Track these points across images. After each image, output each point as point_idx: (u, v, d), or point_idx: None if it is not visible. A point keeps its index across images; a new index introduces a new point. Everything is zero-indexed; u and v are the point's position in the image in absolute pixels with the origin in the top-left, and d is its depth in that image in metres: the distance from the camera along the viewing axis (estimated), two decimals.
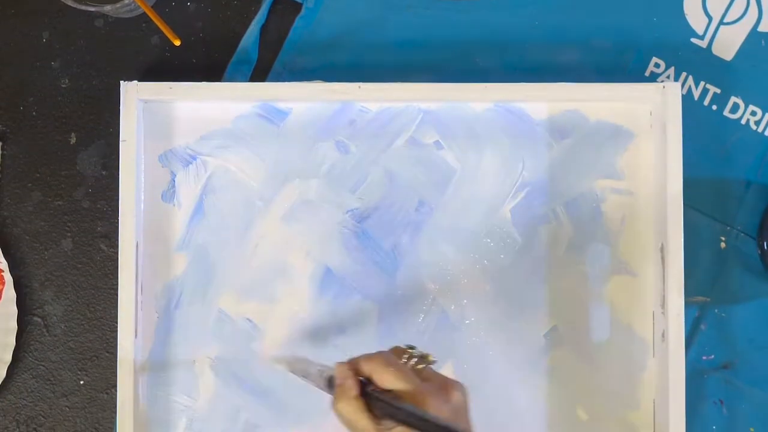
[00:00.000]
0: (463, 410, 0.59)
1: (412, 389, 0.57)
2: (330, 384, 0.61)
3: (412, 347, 0.61)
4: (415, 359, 0.60)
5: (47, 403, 0.76)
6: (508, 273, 0.75)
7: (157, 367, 0.74)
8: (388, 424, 0.57)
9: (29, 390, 0.76)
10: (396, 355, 0.60)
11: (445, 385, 0.59)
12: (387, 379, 0.58)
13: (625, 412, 0.74)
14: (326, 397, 0.61)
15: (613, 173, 0.75)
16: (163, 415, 0.74)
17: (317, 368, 0.65)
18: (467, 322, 0.75)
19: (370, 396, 0.58)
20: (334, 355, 0.66)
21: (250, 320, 0.75)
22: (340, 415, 0.58)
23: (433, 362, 0.61)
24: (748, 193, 0.76)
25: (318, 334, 0.75)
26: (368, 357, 0.59)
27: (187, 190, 0.75)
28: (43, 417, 0.75)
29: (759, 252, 0.75)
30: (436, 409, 0.56)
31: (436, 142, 0.75)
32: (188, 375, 0.74)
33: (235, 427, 0.74)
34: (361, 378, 0.59)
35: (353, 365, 0.59)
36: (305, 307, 0.75)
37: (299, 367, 0.69)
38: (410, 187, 0.75)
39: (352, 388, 0.58)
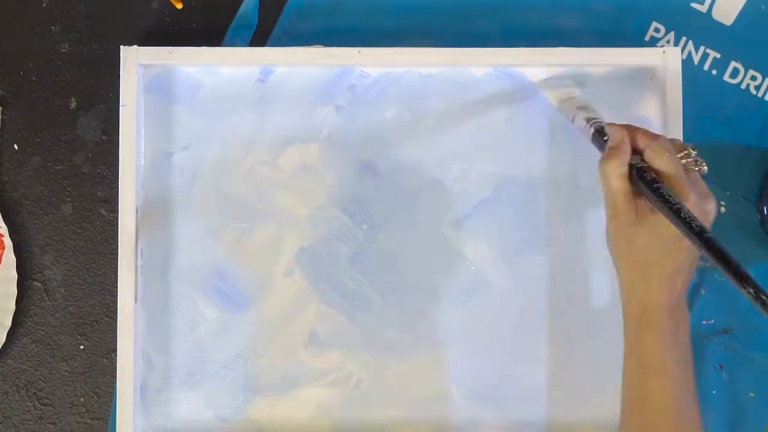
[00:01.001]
0: (709, 224, 0.60)
1: (678, 182, 0.59)
2: (597, 136, 0.64)
3: (694, 147, 0.62)
4: (691, 159, 0.61)
5: (47, 367, 0.76)
6: (506, 238, 0.75)
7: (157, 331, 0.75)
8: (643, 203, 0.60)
9: (29, 355, 0.76)
10: (677, 148, 0.62)
11: (705, 194, 0.60)
12: (661, 161, 0.59)
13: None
14: None
15: None
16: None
17: (587, 115, 0.66)
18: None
19: (638, 169, 0.60)
20: None
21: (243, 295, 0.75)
22: (604, 174, 0.61)
23: (705, 171, 0.62)
24: (747, 157, 0.76)
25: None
26: (650, 133, 0.61)
27: (187, 154, 0.75)
28: (42, 382, 0.76)
29: (759, 217, 0.75)
30: (692, 210, 0.57)
31: (436, 106, 0.75)
32: (188, 338, 0.75)
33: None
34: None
35: (631, 132, 0.61)
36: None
37: (567, 106, 0.70)
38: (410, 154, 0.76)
39: (627, 153, 0.60)
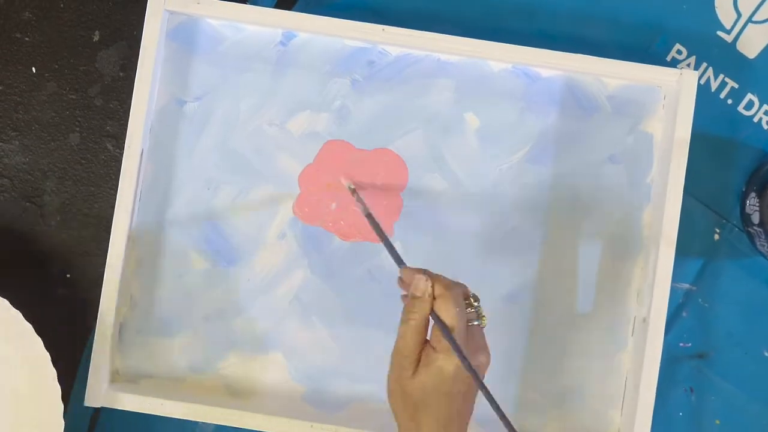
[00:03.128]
0: (482, 375, 0.62)
1: (459, 336, 0.60)
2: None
3: (477, 299, 0.64)
4: (473, 311, 0.63)
5: (32, 290, 0.76)
6: (504, 234, 0.76)
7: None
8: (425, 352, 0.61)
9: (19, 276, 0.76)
10: (465, 296, 0.63)
11: (481, 347, 0.62)
12: (447, 314, 0.60)
13: (597, 387, 0.75)
14: None
15: (619, 150, 0.76)
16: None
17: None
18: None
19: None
20: None
21: (234, 251, 0.76)
22: (405, 322, 0.62)
23: (484, 326, 0.64)
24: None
25: None
26: (444, 283, 0.62)
27: (198, 105, 0.76)
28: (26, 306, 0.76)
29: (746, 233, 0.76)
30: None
31: (451, 94, 0.76)
32: (174, 285, 0.76)
33: None
34: None
35: (431, 280, 0.62)
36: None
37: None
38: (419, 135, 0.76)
39: (429, 303, 0.61)
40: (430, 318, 0.61)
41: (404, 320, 0.62)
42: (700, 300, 0.76)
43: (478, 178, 0.76)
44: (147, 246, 0.76)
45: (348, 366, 0.76)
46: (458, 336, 0.60)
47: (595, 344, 0.75)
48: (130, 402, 0.72)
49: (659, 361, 0.71)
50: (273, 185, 0.76)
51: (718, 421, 0.76)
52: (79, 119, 0.77)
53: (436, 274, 0.63)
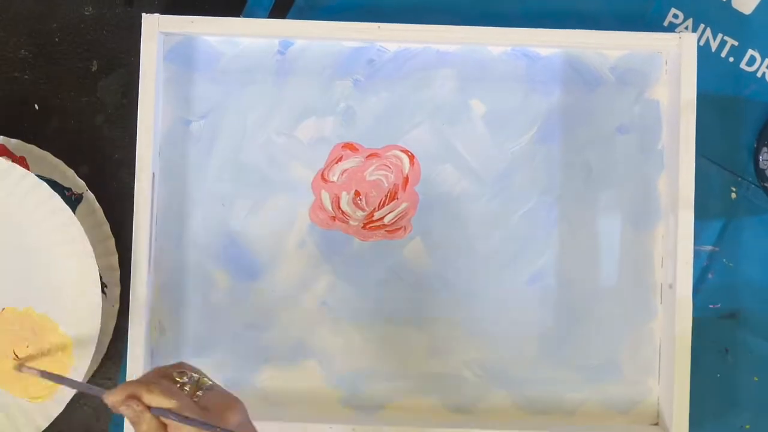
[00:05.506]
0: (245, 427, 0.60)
1: (187, 406, 0.57)
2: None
3: (183, 372, 0.60)
4: (189, 386, 0.59)
5: None
6: (521, 216, 0.76)
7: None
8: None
9: None
10: (168, 379, 0.59)
11: (224, 407, 0.59)
12: (159, 401, 0.57)
13: (631, 358, 0.75)
14: None
15: (627, 120, 0.76)
16: None
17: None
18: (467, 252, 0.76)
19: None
20: None
21: (255, 264, 0.76)
22: None
23: (209, 385, 0.60)
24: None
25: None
26: (143, 382, 0.58)
27: (204, 123, 0.76)
28: None
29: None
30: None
31: (454, 83, 0.76)
32: (200, 305, 0.76)
33: None
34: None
35: (129, 393, 0.57)
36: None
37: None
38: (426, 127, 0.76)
39: (151, 422, 0.57)
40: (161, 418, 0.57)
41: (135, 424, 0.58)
42: (724, 260, 0.76)
43: (490, 164, 0.76)
44: (169, 269, 0.76)
45: (382, 365, 0.76)
46: (191, 412, 0.56)
47: (625, 316, 0.75)
48: None
49: (690, 326, 0.71)
50: (287, 194, 0.76)
51: (756, 378, 0.76)
52: (87, 150, 0.77)
53: (128, 384, 0.58)
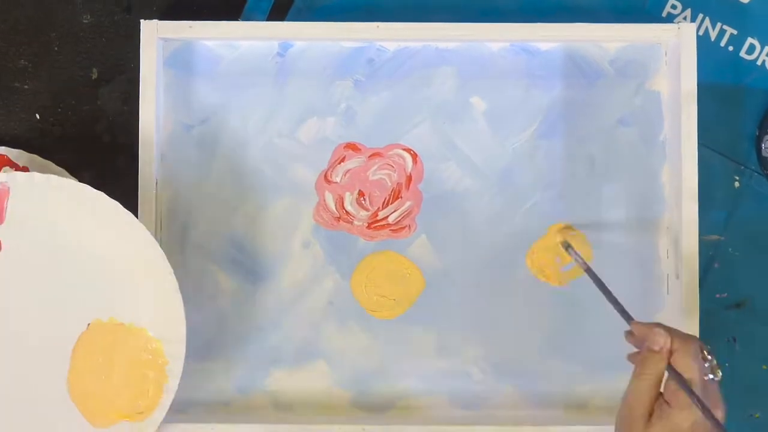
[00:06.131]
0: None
1: (696, 389, 0.58)
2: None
3: (711, 352, 0.61)
4: (707, 366, 0.60)
5: None
6: (525, 212, 0.76)
7: None
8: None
9: None
10: (700, 348, 0.61)
11: (716, 403, 0.59)
12: (687, 369, 0.58)
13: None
14: None
15: (628, 112, 0.76)
16: None
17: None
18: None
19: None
20: None
21: (261, 267, 0.76)
22: (640, 376, 0.59)
23: (719, 379, 0.60)
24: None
25: None
26: (682, 336, 0.60)
27: (206, 127, 0.76)
28: None
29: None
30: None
31: (454, 81, 0.76)
32: (207, 310, 0.76)
33: None
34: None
35: (669, 335, 0.60)
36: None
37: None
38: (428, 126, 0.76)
39: (666, 360, 0.59)
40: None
41: (638, 375, 0.59)
42: (729, 249, 0.77)
43: (493, 160, 0.76)
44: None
45: (390, 364, 0.76)
46: (696, 391, 0.58)
47: (632, 308, 0.75)
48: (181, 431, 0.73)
49: (698, 316, 0.71)
50: (291, 196, 0.76)
51: (765, 366, 0.76)
52: (90, 159, 0.77)
53: (671, 328, 0.61)
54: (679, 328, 0.71)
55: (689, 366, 0.58)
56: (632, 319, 0.64)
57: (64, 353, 0.70)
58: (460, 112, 0.76)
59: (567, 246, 0.73)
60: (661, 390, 0.59)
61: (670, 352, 0.59)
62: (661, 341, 0.59)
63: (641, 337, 0.61)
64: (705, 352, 0.60)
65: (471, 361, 0.75)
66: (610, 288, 0.68)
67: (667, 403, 0.58)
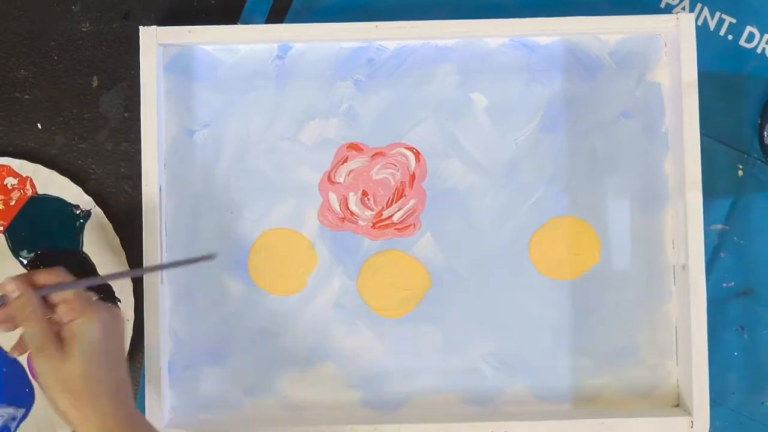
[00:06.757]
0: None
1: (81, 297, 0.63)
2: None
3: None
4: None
5: None
6: (530, 206, 0.76)
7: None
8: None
9: None
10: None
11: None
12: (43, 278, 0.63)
13: (648, 341, 0.75)
14: None
15: (630, 104, 0.76)
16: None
17: None
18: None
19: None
20: None
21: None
22: (28, 322, 0.61)
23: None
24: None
25: None
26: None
27: (208, 132, 0.76)
28: None
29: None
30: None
31: (454, 78, 0.76)
32: (214, 314, 0.76)
33: None
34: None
35: (29, 281, 0.63)
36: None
37: None
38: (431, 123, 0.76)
39: (29, 285, 0.63)
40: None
41: (22, 320, 0.62)
42: (735, 238, 0.77)
43: (496, 156, 0.76)
44: (181, 280, 0.76)
45: (399, 363, 0.76)
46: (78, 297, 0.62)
47: (639, 300, 0.75)
48: None
49: (705, 306, 0.71)
50: (295, 198, 0.76)
51: None
52: (93, 166, 0.77)
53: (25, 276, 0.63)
54: (686, 317, 0.71)
55: (48, 277, 0.63)
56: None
57: None
58: (461, 109, 0.76)
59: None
60: None
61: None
62: (9, 286, 0.62)
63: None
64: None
65: (480, 357, 0.75)
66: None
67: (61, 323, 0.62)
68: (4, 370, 0.76)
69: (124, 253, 0.76)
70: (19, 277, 0.62)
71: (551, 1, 0.76)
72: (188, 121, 0.76)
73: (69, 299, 0.62)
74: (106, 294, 0.76)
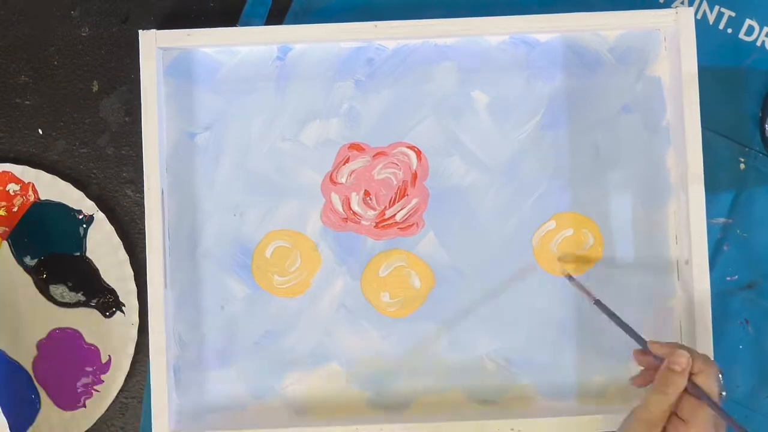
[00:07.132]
0: None
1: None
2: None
3: (721, 371, 0.64)
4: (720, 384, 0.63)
5: None
6: (532, 203, 0.76)
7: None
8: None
9: None
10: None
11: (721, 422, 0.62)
12: (710, 388, 0.61)
13: (652, 336, 0.75)
14: None
15: (630, 99, 0.76)
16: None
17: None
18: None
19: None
20: None
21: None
22: (656, 396, 0.61)
23: (724, 396, 0.63)
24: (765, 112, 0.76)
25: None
26: (703, 357, 0.63)
27: (209, 134, 0.76)
28: None
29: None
30: None
31: (455, 76, 0.76)
32: (218, 316, 0.76)
33: None
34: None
35: (691, 357, 0.62)
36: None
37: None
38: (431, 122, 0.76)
39: (685, 381, 0.61)
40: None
41: (660, 392, 0.61)
42: (738, 231, 0.77)
43: (497, 153, 0.76)
44: (185, 283, 0.76)
45: (404, 362, 0.76)
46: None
47: (643, 295, 0.75)
48: None
49: (710, 300, 0.71)
50: (297, 199, 0.76)
51: None
52: (95, 171, 0.77)
53: (691, 348, 0.64)
54: (690, 312, 0.72)
55: (712, 387, 0.61)
56: (645, 341, 0.65)
57: None
58: (462, 107, 0.76)
59: (570, 278, 0.74)
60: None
61: (690, 373, 0.61)
62: (684, 362, 0.61)
63: (661, 356, 0.63)
64: (720, 370, 0.63)
65: (485, 355, 0.75)
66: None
67: (683, 420, 0.60)
68: (9, 375, 0.76)
69: (128, 257, 0.76)
70: (693, 357, 0.62)
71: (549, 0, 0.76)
72: (189, 124, 0.76)
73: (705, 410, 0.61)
74: (111, 299, 0.76)
